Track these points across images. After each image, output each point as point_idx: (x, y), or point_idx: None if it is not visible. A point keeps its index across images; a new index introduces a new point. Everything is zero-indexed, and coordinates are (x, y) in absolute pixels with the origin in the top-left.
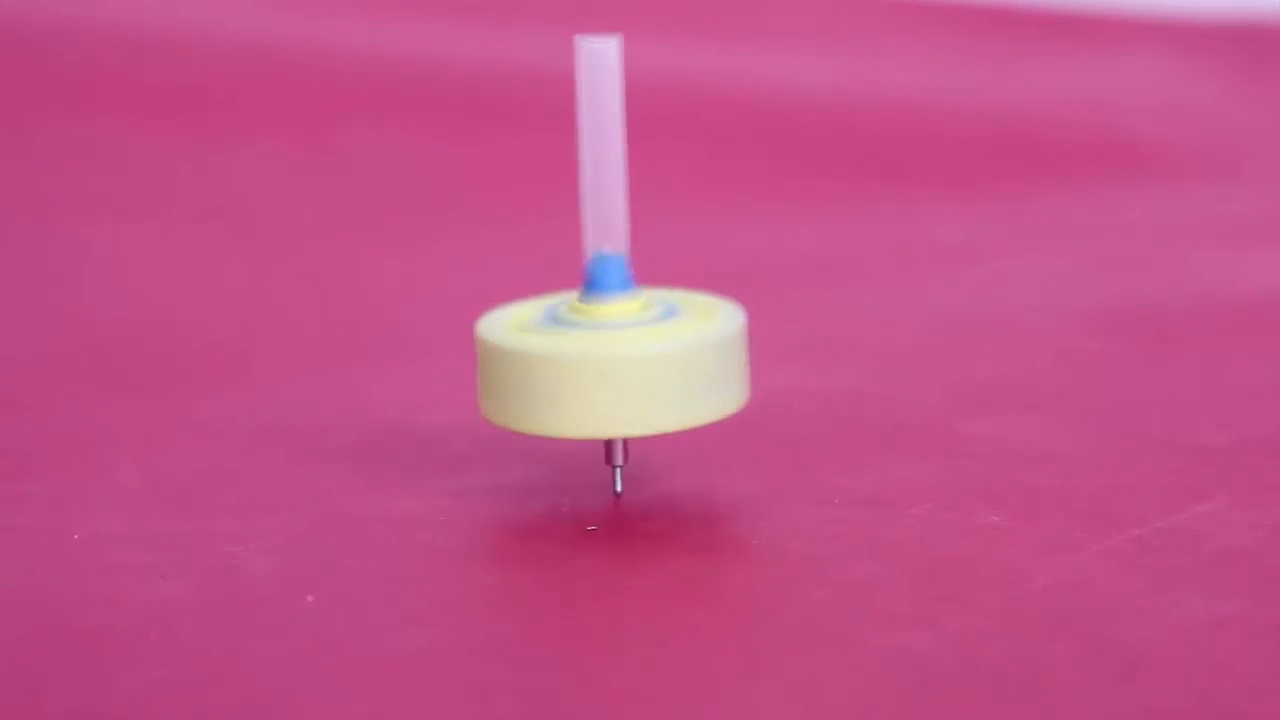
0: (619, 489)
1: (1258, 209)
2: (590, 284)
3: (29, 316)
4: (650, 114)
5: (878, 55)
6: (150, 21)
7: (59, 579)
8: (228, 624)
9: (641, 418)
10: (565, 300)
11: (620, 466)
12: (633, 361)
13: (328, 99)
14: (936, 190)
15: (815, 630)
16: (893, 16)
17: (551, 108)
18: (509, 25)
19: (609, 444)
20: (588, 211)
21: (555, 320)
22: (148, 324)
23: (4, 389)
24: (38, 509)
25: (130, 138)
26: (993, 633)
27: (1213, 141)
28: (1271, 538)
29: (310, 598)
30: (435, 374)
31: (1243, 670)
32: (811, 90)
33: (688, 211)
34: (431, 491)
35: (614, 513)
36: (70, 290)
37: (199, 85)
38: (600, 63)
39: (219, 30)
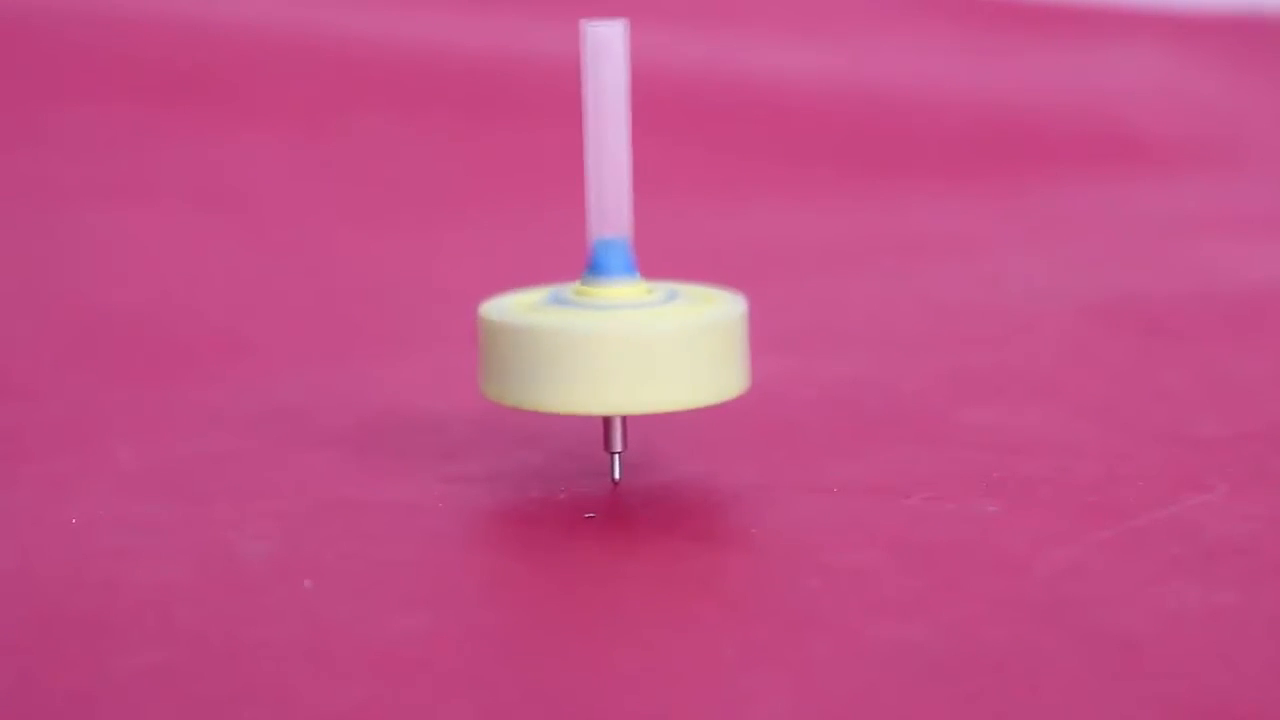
0: (617, 476)
1: (1256, 201)
2: (593, 267)
3: (29, 300)
4: (648, 103)
5: (879, 46)
6: (155, 7)
7: (56, 563)
8: (224, 609)
9: (642, 396)
10: (569, 286)
11: (619, 453)
12: (635, 339)
13: (331, 86)
14: (937, 181)
15: (813, 618)
16: (896, 8)
17: (556, 96)
18: (514, 13)
19: (608, 430)
20: (592, 196)
21: (559, 301)
22: (147, 308)
23: (2, 372)
24: (35, 493)
25: (132, 123)
26: (990, 622)
27: (1212, 133)
28: (1269, 529)
29: (308, 583)
30: (434, 361)
31: (1239, 660)
32: (812, 80)
33: (687, 201)
34: (429, 478)
35: (612, 500)
36: (70, 274)
37: (202, 71)
38: (606, 47)
39: (223, 16)
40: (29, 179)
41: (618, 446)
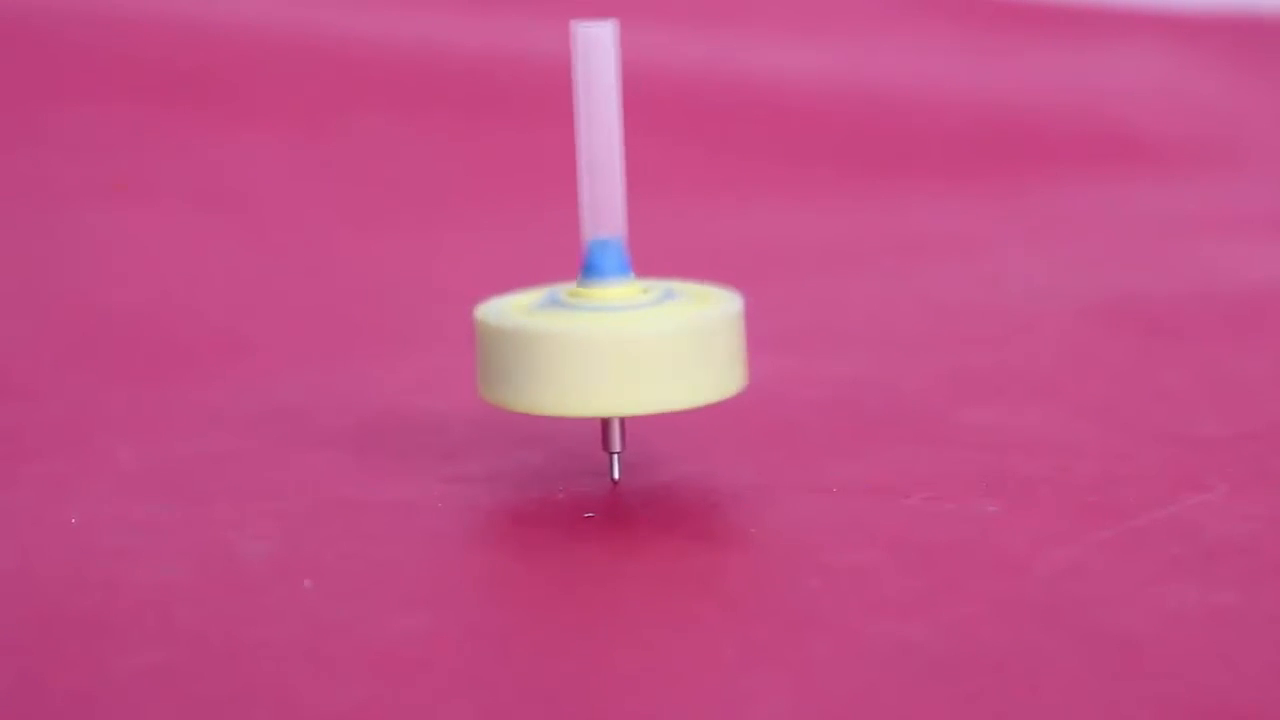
0: (616, 476)
1: (1256, 201)
2: (588, 269)
3: (29, 300)
4: (648, 103)
5: (879, 46)
6: (155, 7)
7: (56, 563)
8: (224, 609)
9: (639, 397)
10: (564, 287)
11: (618, 453)
12: (631, 340)
13: (331, 86)
14: (937, 181)
15: (813, 618)
16: (896, 8)
17: (555, 97)
18: (513, 13)
19: (607, 430)
20: (585, 197)
21: (554, 303)
22: (147, 308)
23: (2, 372)
24: (35, 493)
25: (132, 123)
26: (989, 621)
27: (1211, 133)
28: (1269, 529)
29: (308, 583)
30: (433, 361)
31: (1239, 660)
32: (811, 80)
33: (687, 201)
34: (429, 478)
35: (611, 500)
36: (70, 274)
37: (202, 71)
38: (595, 47)
39: (223, 16)
40: (29, 179)
41: (616, 447)
